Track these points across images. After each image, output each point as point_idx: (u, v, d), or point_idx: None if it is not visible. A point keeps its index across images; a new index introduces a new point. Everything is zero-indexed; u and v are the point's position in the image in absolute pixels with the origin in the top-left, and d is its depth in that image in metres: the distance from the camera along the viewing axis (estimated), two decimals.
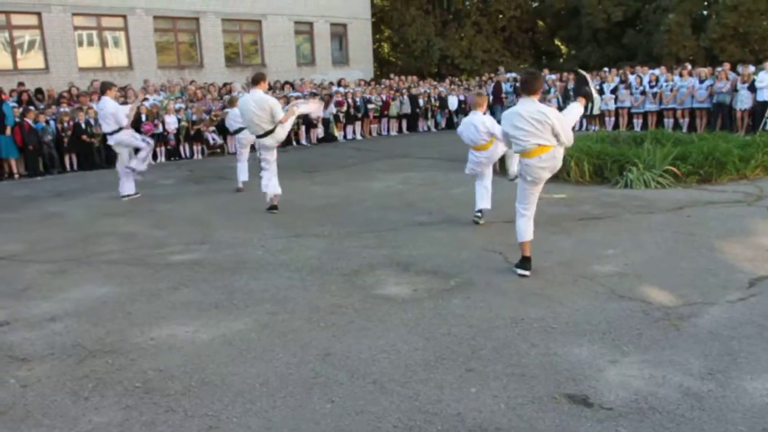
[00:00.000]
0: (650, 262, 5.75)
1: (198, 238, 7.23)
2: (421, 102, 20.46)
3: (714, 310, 4.54)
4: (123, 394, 3.61)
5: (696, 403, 3.32)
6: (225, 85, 18.29)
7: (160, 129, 14.97)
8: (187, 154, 15.69)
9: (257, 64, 22.56)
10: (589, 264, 5.72)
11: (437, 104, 20.85)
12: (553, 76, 20.68)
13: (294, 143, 17.19)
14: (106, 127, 9.75)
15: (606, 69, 20.30)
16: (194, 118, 15.62)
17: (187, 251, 6.69)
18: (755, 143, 10.42)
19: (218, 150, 16.13)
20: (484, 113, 7.38)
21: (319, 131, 17.83)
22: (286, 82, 19.68)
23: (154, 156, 15.09)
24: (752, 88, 15.44)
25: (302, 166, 12.91)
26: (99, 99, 10.49)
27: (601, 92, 18.16)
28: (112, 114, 9.56)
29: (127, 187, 10.05)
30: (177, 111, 15.37)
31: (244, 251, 6.59)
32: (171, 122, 15.10)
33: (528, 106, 5.27)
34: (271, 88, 19.10)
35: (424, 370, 3.78)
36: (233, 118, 10.34)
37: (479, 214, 7.43)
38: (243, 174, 10.54)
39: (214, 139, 15.93)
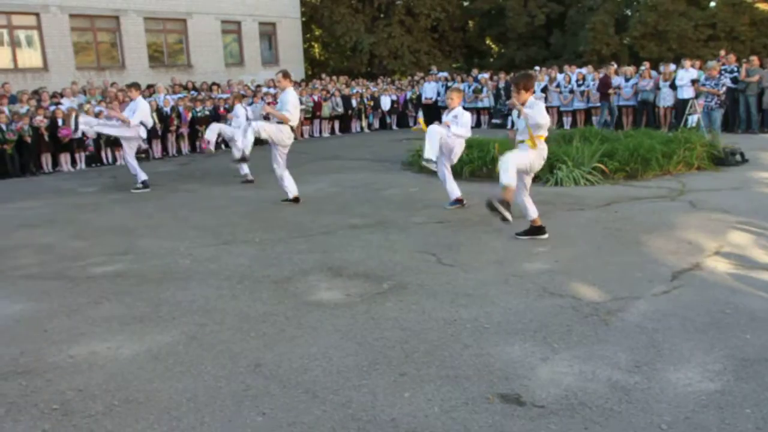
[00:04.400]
0: (579, 258, 5.88)
1: (121, 249, 6.93)
2: (354, 102, 20.39)
3: (640, 304, 4.66)
4: (39, 418, 3.40)
5: (624, 396, 3.38)
6: (149, 86, 17.70)
7: (79, 134, 14.33)
8: (110, 159, 15.09)
9: (183, 64, 22.02)
10: (521, 262, 5.80)
11: (371, 104, 20.83)
12: (485, 75, 21.01)
13: (222, 147, 16.80)
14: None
15: (537, 68, 20.77)
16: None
17: (109, 262, 6.40)
18: (677, 140, 10.83)
19: (143, 155, 15.54)
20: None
21: None
22: (214, 83, 19.25)
23: (74, 162, 14.49)
24: (674, 86, 16.10)
25: (231, 171, 12.62)
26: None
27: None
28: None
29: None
30: (97, 114, 14.74)
31: (170, 261, 6.36)
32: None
33: None
34: (197, 90, 18.67)
35: (357, 376, 3.72)
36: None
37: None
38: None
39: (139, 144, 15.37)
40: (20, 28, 18.59)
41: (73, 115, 14.01)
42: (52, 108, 14.34)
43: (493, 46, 32.69)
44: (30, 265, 6.47)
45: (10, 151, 13.29)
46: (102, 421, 3.33)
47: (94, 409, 3.47)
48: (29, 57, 18.81)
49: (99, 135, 14.41)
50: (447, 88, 19.98)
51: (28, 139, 13.49)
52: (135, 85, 11.08)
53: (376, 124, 21.32)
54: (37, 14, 18.48)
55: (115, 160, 15.08)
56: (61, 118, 14.00)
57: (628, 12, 26.80)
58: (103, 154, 14.97)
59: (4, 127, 13.20)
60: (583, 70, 18.58)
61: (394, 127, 21.51)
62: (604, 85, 16.78)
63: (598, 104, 17.48)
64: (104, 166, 14.80)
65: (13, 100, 14.88)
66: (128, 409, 3.45)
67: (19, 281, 5.90)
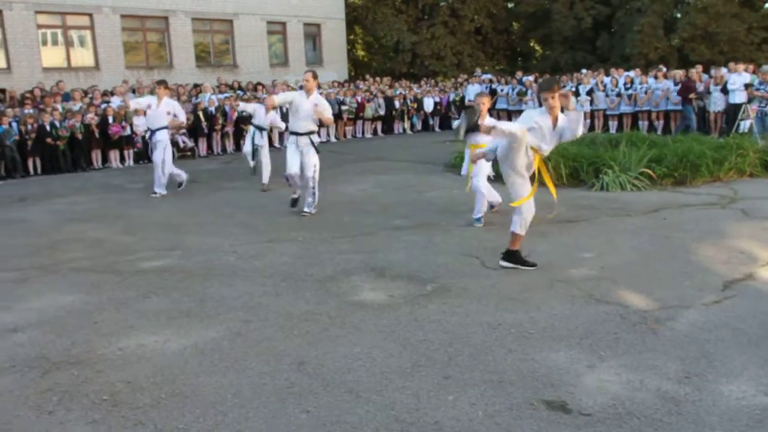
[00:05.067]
0: (627, 265, 5.76)
1: (168, 244, 7.07)
2: (396, 104, 20.40)
3: (690, 314, 4.55)
4: (89, 408, 3.48)
5: (674, 407, 3.30)
6: (195, 86, 18.03)
7: (128, 131, 14.69)
8: None
9: (229, 64, 22.34)
10: (566, 268, 5.71)
11: (414, 106, 20.81)
12: (530, 78, 20.79)
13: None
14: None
15: (583, 71, 20.46)
16: None
17: (157, 258, 6.53)
18: (728, 145, 10.53)
19: (189, 153, 15.87)
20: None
21: None
22: (258, 83, 19.49)
23: (122, 159, 14.84)
24: (725, 90, 15.65)
25: (274, 169, 12.75)
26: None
27: (577, 94, 18.31)
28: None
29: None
30: (146, 113, 15.05)
31: (215, 257, 6.46)
32: (140, 124, 14.79)
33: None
34: (242, 89, 18.92)
35: (400, 377, 3.71)
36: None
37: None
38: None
39: (184, 142, 15.68)
40: (74, 28, 19.13)
41: (123, 113, 14.41)
42: (103, 106, 14.72)
43: (537, 48, 32.28)
44: (81, 258, 6.65)
45: (63, 147, 13.71)
46: (150, 414, 3.40)
47: (141, 401, 3.54)
48: (82, 56, 19.34)
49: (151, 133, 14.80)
50: (491, 90, 19.89)
51: (80, 136, 13.89)
52: (163, 83, 10.93)
53: (419, 126, 21.29)
54: (90, 15, 19.00)
55: None
56: (112, 115, 14.35)
57: (678, 14, 26.16)
58: (149, 151, 15.25)
59: (57, 124, 13.61)
60: (631, 74, 18.20)
61: (437, 129, 21.44)
62: (687, 89, 16.18)
63: (645, 108, 17.12)
64: (151, 163, 15.06)
65: (66, 97, 15.35)
66: (175, 402, 3.51)
67: (71, 274, 6.07)
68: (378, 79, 22.35)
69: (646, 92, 17.11)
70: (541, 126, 5.42)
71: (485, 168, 7.43)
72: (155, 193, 10.34)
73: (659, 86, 16.89)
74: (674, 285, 5.16)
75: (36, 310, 5.05)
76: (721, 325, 4.33)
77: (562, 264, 5.83)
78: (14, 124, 13.32)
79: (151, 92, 16.84)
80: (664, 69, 18.21)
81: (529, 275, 5.53)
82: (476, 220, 7.42)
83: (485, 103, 7.35)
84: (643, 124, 17.14)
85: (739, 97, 15.23)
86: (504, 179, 5.70)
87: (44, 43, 18.51)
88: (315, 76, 8.20)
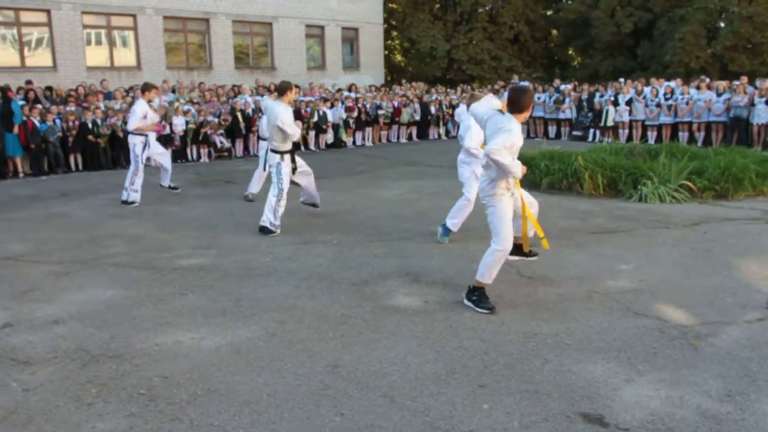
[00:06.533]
0: (666, 278, 5.65)
1: (205, 243, 7.16)
2: (432, 109, 20.38)
3: (732, 330, 4.44)
4: (127, 401, 3.54)
5: (715, 426, 3.23)
6: (234, 87, 18.26)
7: (168, 130, 14.93)
8: (194, 156, 15.63)
9: (267, 66, 22.58)
10: (603, 279, 5.63)
11: (449, 112, 20.75)
12: (568, 86, 20.57)
13: (302, 148, 17.13)
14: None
15: (621, 80, 20.18)
16: (201, 119, 15.53)
17: (193, 256, 6.62)
18: None
19: (225, 153, 16.07)
20: None
21: (329, 137, 17.75)
22: (296, 86, 19.63)
23: None
24: None
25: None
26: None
27: (615, 104, 18.06)
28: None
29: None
30: (185, 113, 15.32)
31: (251, 257, 6.52)
32: (179, 123, 15.05)
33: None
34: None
35: (435, 384, 3.70)
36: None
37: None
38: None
39: (221, 143, 15.88)
40: (118, 29, 19.54)
41: (163, 112, 14.64)
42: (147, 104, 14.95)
43: (575, 56, 31.96)
44: (120, 254, 6.77)
45: (104, 145, 13.99)
46: (186, 409, 3.44)
47: (178, 396, 3.58)
48: (124, 56, 19.74)
49: (185, 132, 14.95)
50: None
51: (120, 134, 14.14)
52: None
53: (454, 132, 21.20)
54: (134, 15, 19.40)
55: (199, 156, 15.60)
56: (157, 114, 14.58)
57: (721, 24, 25.60)
58: (188, 150, 15.50)
59: (99, 122, 13.90)
60: (672, 84, 17.88)
61: None
62: None
63: (686, 119, 16.80)
64: (189, 162, 15.33)
65: (109, 96, 15.66)
66: (211, 400, 3.54)
67: (110, 269, 6.18)
68: (414, 84, 22.32)
69: (687, 103, 16.78)
70: None
71: None
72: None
73: (701, 97, 16.55)
74: (716, 300, 5.04)
75: (77, 303, 5.16)
76: (765, 343, 4.21)
77: (600, 275, 5.74)
78: (57, 121, 13.64)
79: (191, 92, 17.16)
80: (707, 80, 17.83)
81: (567, 285, 5.46)
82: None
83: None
84: (684, 136, 16.81)
85: None
86: None
87: (89, 42, 18.94)
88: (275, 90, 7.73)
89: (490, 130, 4.88)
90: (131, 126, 9.61)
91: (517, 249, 5.31)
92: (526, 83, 22.35)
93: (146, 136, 9.71)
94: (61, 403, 3.54)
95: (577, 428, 3.22)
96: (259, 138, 10.68)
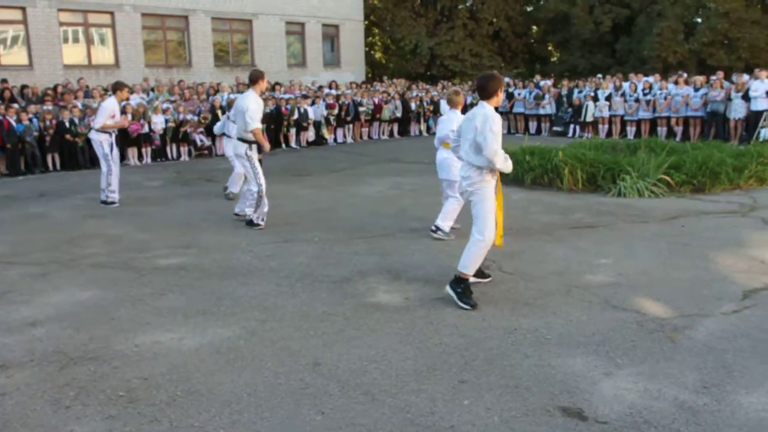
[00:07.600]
0: (644, 272, 5.71)
1: (185, 242, 7.11)
2: (413, 106, 20.39)
3: (708, 323, 4.50)
4: (106, 403, 3.51)
5: (691, 417, 3.27)
6: (213, 84, 18.11)
7: (147, 129, 14.80)
8: (174, 155, 15.50)
9: (247, 64, 22.42)
10: (583, 273, 5.67)
11: (430, 108, 20.78)
12: (548, 82, 20.67)
13: (283, 146, 17.08)
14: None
15: (600, 75, 20.34)
16: (181, 117, 15.39)
17: (173, 255, 6.57)
18: (749, 153, 10.42)
19: (206, 152, 15.96)
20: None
21: (310, 134, 17.70)
22: (276, 83, 19.56)
23: (140, 157, 14.92)
24: (746, 97, 15.47)
25: (291, 170, 12.82)
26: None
27: (595, 99, 18.19)
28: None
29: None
30: (164, 111, 15.18)
31: (231, 256, 6.48)
32: (158, 122, 14.91)
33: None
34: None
35: (415, 380, 3.71)
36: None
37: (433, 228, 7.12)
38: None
39: (202, 141, 15.77)
40: (95, 26, 19.29)
41: (141, 110, 14.51)
42: (123, 104, 14.80)
43: (554, 52, 32.14)
44: (99, 254, 6.70)
45: (81, 144, 13.81)
46: (165, 411, 3.42)
47: (157, 398, 3.56)
48: (102, 54, 19.50)
49: (165, 131, 14.80)
50: (509, 94, 19.78)
51: None
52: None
53: (435, 129, 21.22)
54: (111, 13, 19.16)
55: (179, 155, 15.48)
56: (131, 113, 14.43)
57: (698, 19, 25.90)
58: (168, 149, 15.37)
59: (76, 121, 13.73)
60: (650, 79, 18.05)
61: None
62: None
63: (664, 114, 16.97)
64: (168, 161, 15.20)
65: (86, 95, 15.47)
66: (191, 401, 3.52)
67: (88, 270, 6.12)
68: (395, 80, 22.31)
69: (665, 98, 16.96)
70: None
71: None
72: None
73: (680, 92, 16.72)
74: (693, 293, 5.11)
75: (54, 305, 5.10)
76: (741, 335, 4.28)
77: (579, 270, 5.79)
78: (34, 120, 13.44)
79: (170, 90, 17.01)
80: (685, 75, 18.03)
81: (547, 281, 5.49)
82: None
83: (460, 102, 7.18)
84: (662, 131, 16.99)
85: (760, 104, 15.05)
86: None
87: (65, 40, 18.67)
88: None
89: (465, 129, 4.95)
90: (98, 124, 9.44)
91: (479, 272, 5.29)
92: (507, 79, 22.42)
93: (111, 134, 9.55)
94: (38, 406, 3.49)
95: (557, 422, 3.24)
96: (224, 135, 10.60)
